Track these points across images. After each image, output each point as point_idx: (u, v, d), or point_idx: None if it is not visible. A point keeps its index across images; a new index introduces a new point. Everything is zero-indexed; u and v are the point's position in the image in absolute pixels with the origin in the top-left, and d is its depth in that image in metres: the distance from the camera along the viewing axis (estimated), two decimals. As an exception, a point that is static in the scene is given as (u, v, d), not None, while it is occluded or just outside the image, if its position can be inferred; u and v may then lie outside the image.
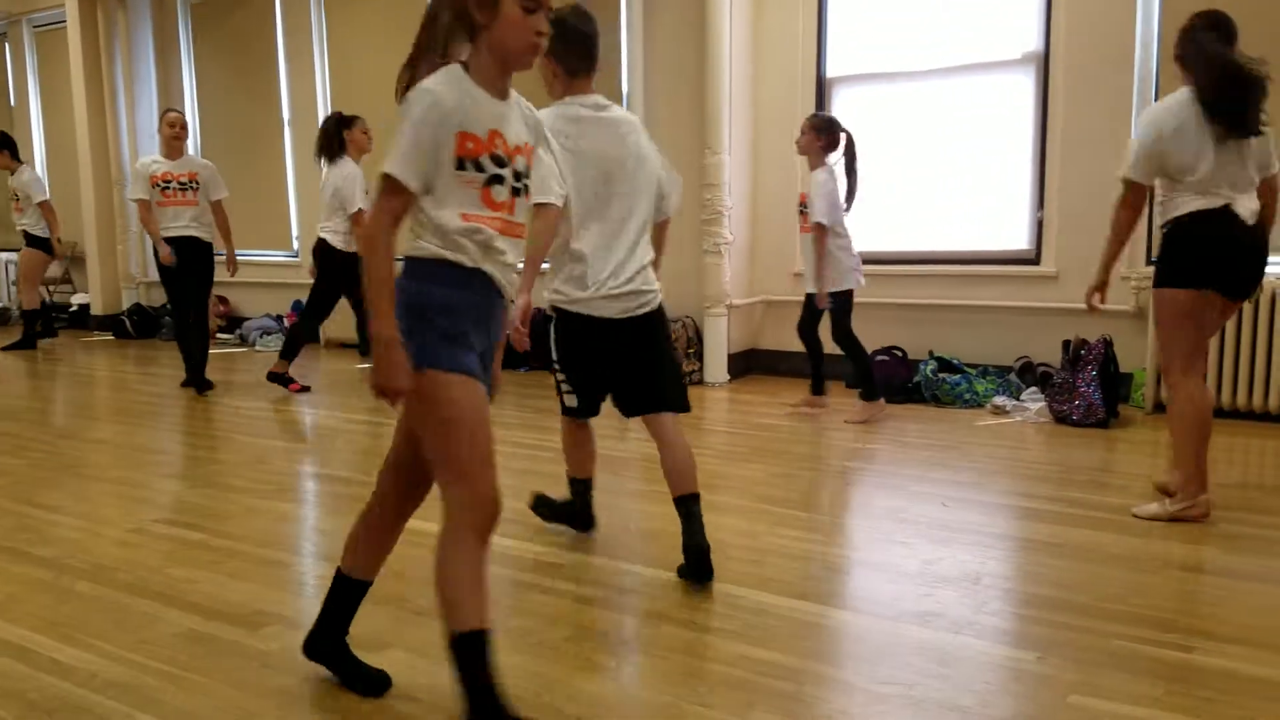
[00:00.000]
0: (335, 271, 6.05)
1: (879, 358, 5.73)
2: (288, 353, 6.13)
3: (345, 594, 2.18)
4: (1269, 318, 4.92)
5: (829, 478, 4.12)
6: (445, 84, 1.83)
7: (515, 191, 1.94)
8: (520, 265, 2.09)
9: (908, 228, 6.06)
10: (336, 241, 6.02)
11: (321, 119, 8.67)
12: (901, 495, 3.75)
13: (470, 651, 1.84)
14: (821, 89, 6.22)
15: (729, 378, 6.37)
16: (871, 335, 5.89)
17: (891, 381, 5.62)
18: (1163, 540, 3.18)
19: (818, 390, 5.38)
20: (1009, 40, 5.64)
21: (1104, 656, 2.33)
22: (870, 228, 6.11)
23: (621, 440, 4.76)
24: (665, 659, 2.35)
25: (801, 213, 5.24)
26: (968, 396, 5.48)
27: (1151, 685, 2.17)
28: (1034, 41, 5.55)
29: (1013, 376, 5.59)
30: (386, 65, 8.59)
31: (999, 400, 5.35)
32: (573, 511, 3.32)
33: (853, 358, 5.17)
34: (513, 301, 2.13)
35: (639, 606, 2.70)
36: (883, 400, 5.18)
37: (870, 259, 6.07)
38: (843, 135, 5.07)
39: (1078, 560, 3.00)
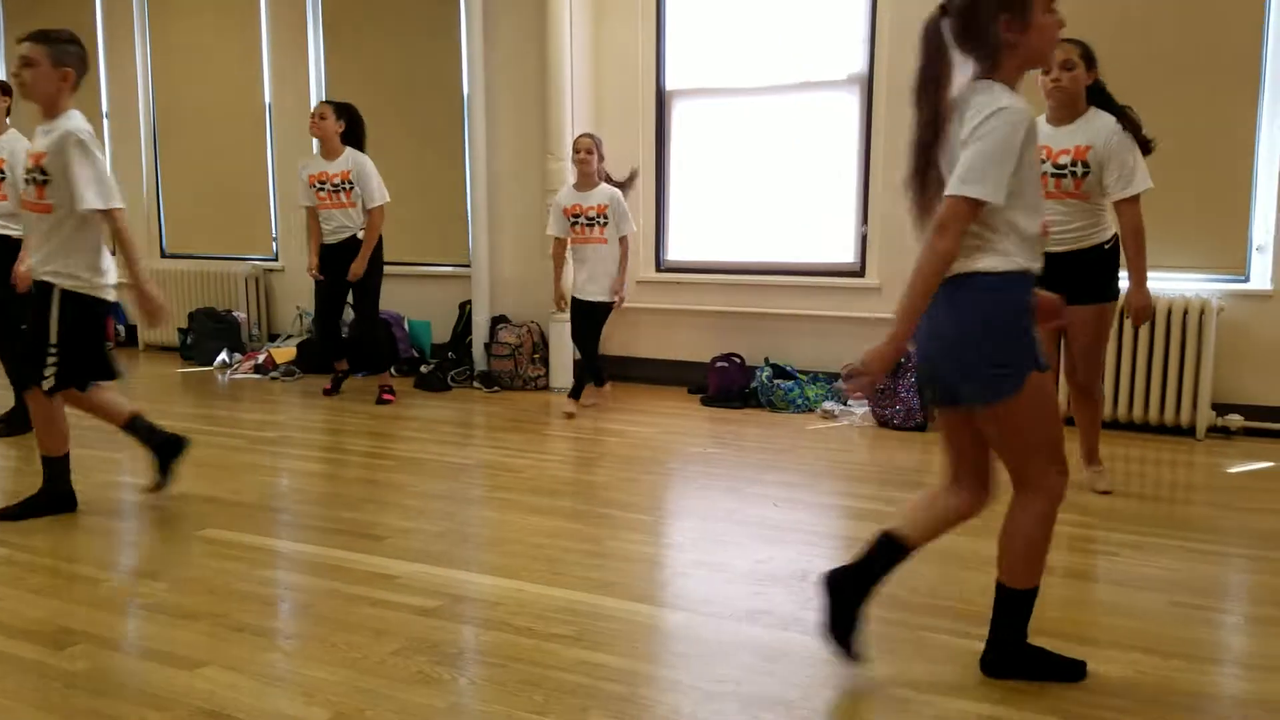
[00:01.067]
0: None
1: (719, 364, 5.86)
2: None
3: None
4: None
5: (670, 481, 4.19)
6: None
7: None
8: None
9: (744, 239, 6.22)
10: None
11: (147, 111, 8.28)
12: (736, 497, 3.85)
13: (1028, 604, 2.20)
14: (661, 101, 6.33)
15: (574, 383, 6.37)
16: (712, 343, 6.08)
17: (731, 387, 5.77)
18: (976, 538, 3.36)
19: (599, 383, 5.64)
20: (836, 61, 5.88)
21: (918, 648, 2.46)
22: (709, 238, 6.27)
23: (461, 447, 4.72)
24: (502, 668, 2.34)
25: (589, 224, 5.41)
26: (800, 401, 5.67)
27: (962, 675, 2.30)
28: (859, 63, 5.80)
29: (840, 383, 5.81)
30: (214, 57, 8.15)
31: (828, 405, 5.57)
32: (55, 493, 3.60)
33: (587, 357, 5.60)
34: None
35: (475, 615, 2.68)
36: (575, 404, 5.58)
37: (709, 269, 6.25)
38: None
39: (898, 557, 3.14)
